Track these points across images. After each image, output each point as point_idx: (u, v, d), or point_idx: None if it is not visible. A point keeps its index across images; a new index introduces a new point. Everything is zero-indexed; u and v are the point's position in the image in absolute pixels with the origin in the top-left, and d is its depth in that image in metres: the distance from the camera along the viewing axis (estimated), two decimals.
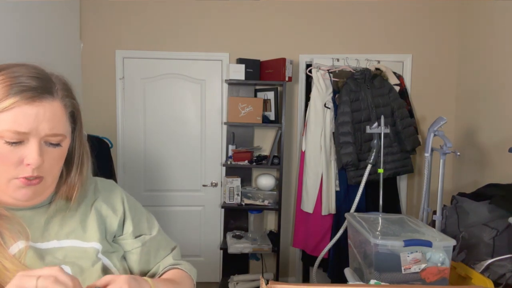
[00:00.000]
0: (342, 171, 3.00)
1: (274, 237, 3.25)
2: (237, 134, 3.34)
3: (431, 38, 3.36)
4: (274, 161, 3.17)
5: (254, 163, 3.19)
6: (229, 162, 3.22)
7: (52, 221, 0.80)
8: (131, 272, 0.90)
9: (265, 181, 3.23)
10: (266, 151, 3.43)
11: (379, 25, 3.36)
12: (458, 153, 2.38)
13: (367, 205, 2.99)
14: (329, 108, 3.03)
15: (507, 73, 2.67)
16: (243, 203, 3.22)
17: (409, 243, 1.60)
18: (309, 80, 3.30)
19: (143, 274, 0.92)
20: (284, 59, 3.06)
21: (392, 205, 3.12)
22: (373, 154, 2.64)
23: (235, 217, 3.40)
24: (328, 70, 3.11)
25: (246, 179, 3.39)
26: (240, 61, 3.16)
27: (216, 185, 3.48)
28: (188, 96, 3.41)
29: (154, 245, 0.94)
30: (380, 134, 2.67)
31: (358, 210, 2.68)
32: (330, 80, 3.09)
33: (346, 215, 2.05)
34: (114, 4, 3.32)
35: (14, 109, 0.68)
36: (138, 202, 0.98)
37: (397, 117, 3.00)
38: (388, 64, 3.28)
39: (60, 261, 0.77)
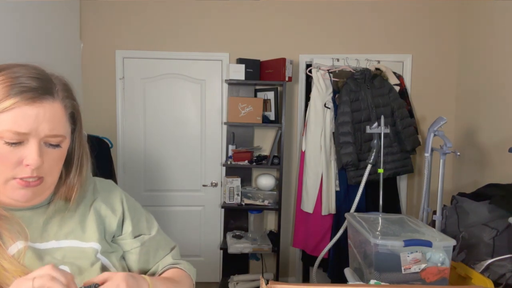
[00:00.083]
0: (342, 171, 3.00)
1: (274, 237, 3.25)
2: (237, 134, 3.34)
3: (431, 38, 3.36)
4: (274, 161, 3.17)
5: (254, 163, 3.19)
6: (229, 162, 3.22)
7: (51, 222, 0.80)
8: (130, 272, 0.90)
9: (265, 181, 3.23)
10: (266, 151, 3.43)
11: (379, 25, 3.36)
12: (458, 153, 2.38)
13: (367, 205, 2.99)
14: (329, 108, 3.03)
15: (507, 73, 2.67)
16: (243, 203, 3.22)
17: (409, 243, 1.60)
18: (309, 80, 3.30)
19: (143, 273, 0.91)
20: (284, 59, 3.06)
21: (392, 205, 3.12)
22: (373, 154, 2.64)
23: (235, 217, 3.40)
24: (328, 70, 3.11)
25: (246, 179, 3.39)
26: (240, 61, 3.16)
27: (216, 185, 3.48)
28: (188, 96, 3.41)
29: (153, 245, 0.94)
30: (380, 134, 2.67)
31: (358, 210, 2.68)
32: (330, 80, 3.09)
33: (346, 215, 2.05)
34: (114, 4, 3.32)
35: (14, 109, 0.68)
36: (137, 202, 0.98)
37: (397, 117, 3.00)
38: (388, 64, 3.28)
39: (59, 261, 0.77)
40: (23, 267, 0.71)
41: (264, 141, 3.45)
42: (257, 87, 3.37)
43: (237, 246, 3.07)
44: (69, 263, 0.78)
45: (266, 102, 3.30)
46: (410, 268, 1.60)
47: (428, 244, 1.60)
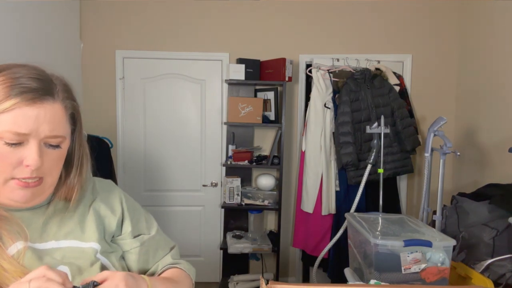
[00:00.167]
0: (342, 171, 3.00)
1: (274, 237, 3.25)
2: (237, 134, 3.35)
3: (431, 38, 3.36)
4: (274, 161, 3.17)
5: (254, 163, 3.19)
6: (229, 162, 3.22)
7: (50, 222, 0.80)
8: (130, 272, 0.90)
9: (265, 181, 3.23)
10: (266, 151, 3.43)
11: (379, 25, 3.36)
12: (458, 153, 2.38)
13: (367, 205, 2.99)
14: (329, 108, 3.03)
15: (507, 73, 2.67)
16: (243, 203, 3.22)
17: (409, 243, 1.60)
18: (309, 80, 3.30)
19: (142, 273, 0.91)
20: (284, 59, 3.06)
21: (392, 205, 3.12)
22: (373, 154, 2.64)
23: (235, 217, 3.40)
24: (328, 70, 3.11)
25: (246, 179, 3.39)
26: (240, 61, 3.16)
27: (216, 185, 3.48)
28: (188, 96, 3.41)
29: (153, 244, 0.94)
30: (380, 134, 2.67)
31: (358, 210, 2.68)
32: (330, 80, 3.09)
33: (346, 215, 2.05)
34: (114, 4, 3.32)
35: (14, 110, 0.68)
36: (137, 202, 0.98)
37: (397, 117, 3.00)
38: (388, 64, 3.28)
39: (59, 261, 0.77)
40: (23, 268, 0.71)
41: (264, 141, 3.45)
42: (257, 87, 3.37)
43: (237, 246, 3.07)
44: (69, 263, 0.78)
45: (266, 102, 3.30)
46: (410, 268, 1.60)
47: (428, 244, 1.60)
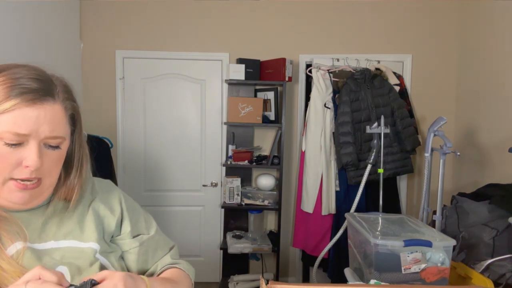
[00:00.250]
0: (342, 171, 3.00)
1: (274, 237, 3.25)
2: (237, 134, 3.34)
3: (431, 38, 3.36)
4: (274, 161, 3.17)
5: (254, 163, 3.19)
6: (229, 162, 3.22)
7: (49, 222, 0.80)
8: (129, 272, 0.90)
9: (265, 181, 3.23)
10: (266, 151, 3.43)
11: (379, 25, 3.36)
12: (458, 153, 2.38)
13: (367, 205, 2.99)
14: (329, 108, 3.03)
15: (507, 73, 2.67)
16: (243, 203, 3.22)
17: (409, 243, 1.60)
18: (309, 80, 3.30)
19: (141, 273, 0.91)
20: (284, 59, 3.06)
21: (392, 205, 3.12)
22: (373, 154, 2.64)
23: (235, 217, 3.40)
24: (328, 70, 3.11)
25: (246, 179, 3.39)
26: (240, 61, 3.16)
27: (216, 185, 3.48)
28: (188, 96, 3.41)
29: (152, 244, 0.94)
30: (380, 134, 2.67)
31: (358, 210, 2.68)
32: (330, 80, 3.09)
33: (346, 215, 2.05)
34: (114, 4, 3.32)
35: (14, 111, 0.68)
36: (136, 202, 0.98)
37: (397, 117, 3.00)
38: (388, 64, 3.28)
39: (58, 261, 0.77)
40: (22, 268, 0.71)
41: (264, 141, 3.45)
42: (257, 87, 3.37)
43: (237, 246, 3.07)
44: (68, 263, 0.78)
45: (266, 102, 3.30)
46: (410, 268, 1.60)
47: (428, 244, 1.60)
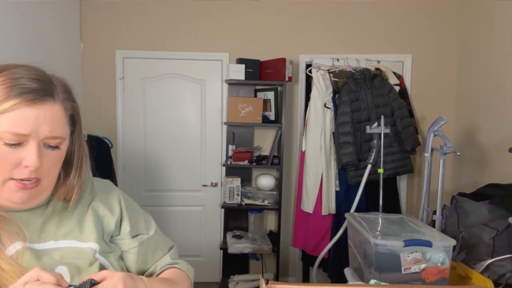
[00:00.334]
0: (342, 171, 3.00)
1: (274, 237, 3.25)
2: (237, 134, 3.34)
3: (431, 38, 3.36)
4: (274, 161, 3.17)
5: (254, 163, 3.19)
6: (229, 162, 3.22)
7: (49, 222, 0.80)
8: (129, 272, 0.90)
9: (265, 181, 3.23)
10: (266, 151, 3.43)
11: (379, 25, 3.36)
12: (458, 153, 2.38)
13: (367, 205, 2.98)
14: (329, 108, 3.03)
15: (507, 73, 2.67)
16: (243, 203, 3.22)
17: (409, 243, 1.60)
18: (309, 80, 3.30)
19: (141, 273, 0.91)
20: (284, 59, 3.06)
21: (392, 205, 3.12)
22: (373, 154, 2.64)
23: (235, 217, 3.40)
24: (328, 70, 3.11)
25: (246, 179, 3.39)
26: (240, 61, 3.16)
27: (216, 185, 3.48)
28: (188, 96, 3.41)
29: (152, 244, 0.94)
30: (380, 134, 2.67)
31: (358, 210, 2.68)
32: (330, 80, 3.09)
33: (346, 215, 2.05)
34: (114, 4, 3.32)
35: (14, 111, 0.68)
36: (135, 202, 0.98)
37: (397, 117, 3.00)
38: (388, 64, 3.28)
39: (57, 261, 0.77)
40: (21, 268, 0.71)
41: (264, 141, 3.45)
42: (257, 87, 3.37)
43: (237, 246, 3.07)
44: (67, 263, 0.78)
45: (266, 102, 3.30)
46: (410, 268, 1.60)
47: (428, 244, 1.60)
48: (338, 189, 3.05)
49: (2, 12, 2.20)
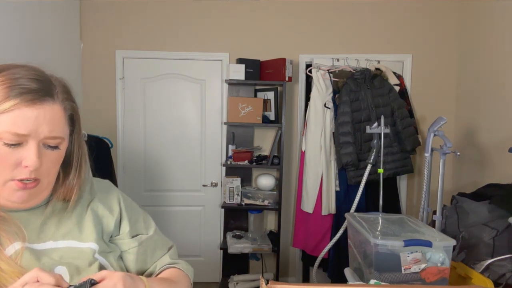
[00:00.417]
0: (342, 171, 3.00)
1: (274, 237, 3.25)
2: (237, 134, 3.34)
3: (431, 38, 3.36)
4: (274, 161, 3.17)
5: (254, 163, 3.19)
6: (229, 162, 3.22)
7: (48, 222, 0.80)
8: (128, 272, 0.90)
9: (265, 181, 3.23)
10: (266, 151, 3.43)
11: (379, 25, 3.36)
12: (458, 153, 2.38)
13: (367, 205, 2.98)
14: (329, 108, 3.03)
15: (507, 73, 2.67)
16: (243, 203, 3.22)
17: (409, 243, 1.60)
18: (309, 80, 3.30)
19: (140, 273, 0.92)
20: (284, 59, 3.06)
21: (392, 205, 3.12)
22: (373, 154, 2.64)
23: (235, 217, 3.40)
24: (328, 70, 3.11)
25: (246, 179, 3.39)
26: (240, 61, 3.16)
27: (216, 185, 3.48)
28: (188, 96, 3.41)
29: (151, 244, 0.94)
30: (380, 134, 2.67)
31: (358, 210, 2.68)
32: (330, 80, 3.09)
33: (346, 215, 2.05)
34: (114, 4, 3.32)
35: (14, 111, 0.68)
36: (135, 202, 0.98)
37: (397, 117, 3.00)
38: (388, 64, 3.28)
39: (57, 261, 0.77)
40: (21, 268, 0.71)
41: (264, 141, 3.45)
42: (257, 87, 3.37)
43: (237, 246, 3.07)
44: (67, 264, 0.78)
45: (266, 102, 3.30)
46: (410, 268, 1.60)
47: (428, 244, 1.60)
48: (338, 189, 3.05)
49: (2, 12, 2.20)
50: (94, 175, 0.95)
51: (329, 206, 3.03)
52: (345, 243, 2.22)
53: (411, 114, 3.20)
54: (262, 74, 3.21)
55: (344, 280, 1.95)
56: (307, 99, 3.23)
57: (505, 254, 1.81)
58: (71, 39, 3.13)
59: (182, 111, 3.42)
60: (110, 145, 3.06)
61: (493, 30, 2.84)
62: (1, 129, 0.68)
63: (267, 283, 1.02)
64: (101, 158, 2.89)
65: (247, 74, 3.13)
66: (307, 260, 3.24)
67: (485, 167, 2.89)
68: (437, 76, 3.38)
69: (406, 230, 1.79)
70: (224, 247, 3.19)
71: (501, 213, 2.03)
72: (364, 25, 3.36)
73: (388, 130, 2.67)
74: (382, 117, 2.70)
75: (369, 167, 2.65)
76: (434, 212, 2.45)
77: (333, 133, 3.01)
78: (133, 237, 0.91)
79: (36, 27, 2.57)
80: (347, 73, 3.12)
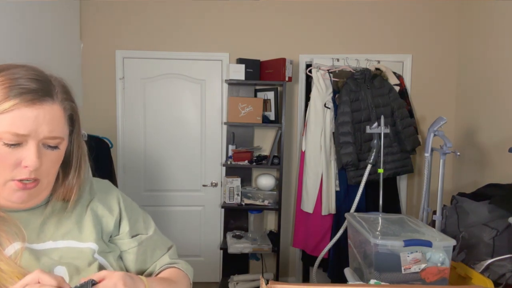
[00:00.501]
0: (342, 171, 3.00)
1: (274, 237, 3.25)
2: (237, 134, 3.34)
3: (431, 38, 3.36)
4: (274, 161, 3.17)
5: (254, 163, 3.19)
6: (229, 162, 3.22)
7: (48, 222, 0.80)
8: (128, 272, 0.90)
9: (265, 181, 3.23)
10: (266, 151, 3.43)
11: (379, 25, 3.36)
12: (458, 153, 2.38)
13: (367, 205, 2.98)
14: (329, 108, 3.03)
15: (507, 73, 2.67)
16: (243, 203, 3.22)
17: (409, 243, 1.60)
18: (309, 80, 3.30)
19: (140, 273, 0.92)
20: (284, 59, 3.06)
21: (392, 205, 3.12)
22: (373, 154, 2.64)
23: (235, 217, 3.40)
24: (328, 70, 3.11)
25: (246, 179, 3.39)
26: (240, 61, 3.16)
27: (216, 185, 3.48)
28: (188, 96, 3.41)
29: (151, 244, 0.94)
30: (380, 134, 2.66)
31: (358, 210, 2.68)
32: (330, 80, 3.09)
33: (346, 215, 2.05)
34: (114, 4, 3.32)
35: (13, 111, 0.68)
36: (134, 202, 0.98)
37: (397, 117, 3.00)
38: (388, 64, 3.28)
39: (56, 261, 0.77)
40: (20, 268, 0.71)
41: (264, 141, 3.45)
42: (257, 87, 3.37)
43: (237, 246, 3.07)
44: (66, 264, 0.78)
45: (266, 102, 3.30)
46: (410, 268, 1.60)
47: (428, 244, 1.60)
48: (338, 189, 3.05)
49: (2, 12, 2.20)
50: (94, 175, 0.95)
51: (329, 206, 3.03)
52: (345, 243, 2.22)
53: (411, 114, 3.20)
54: (262, 74, 3.21)
55: (344, 280, 1.95)
56: (307, 99, 3.23)
57: (505, 254, 1.81)
58: (71, 39, 3.13)
59: (182, 111, 3.42)
60: (110, 145, 3.06)
61: (493, 30, 2.84)
62: (1, 129, 0.68)
63: (267, 283, 1.02)
64: (101, 158, 2.89)
65: (247, 74, 3.12)
66: (307, 260, 3.24)
67: (485, 167, 2.89)
68: (437, 76, 3.38)
69: (406, 230, 1.79)
70: (224, 247, 3.19)
71: (501, 213, 2.03)
72: (364, 25, 3.36)
73: (388, 130, 2.67)
74: (382, 117, 2.70)
75: (369, 167, 2.65)
76: (434, 212, 2.45)
77: (333, 133, 3.01)
78: (132, 237, 0.91)
79: (36, 27, 2.57)
80: (347, 73, 3.12)
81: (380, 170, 2.66)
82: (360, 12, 3.35)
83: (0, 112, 0.68)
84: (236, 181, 3.21)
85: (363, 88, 3.01)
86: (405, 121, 3.01)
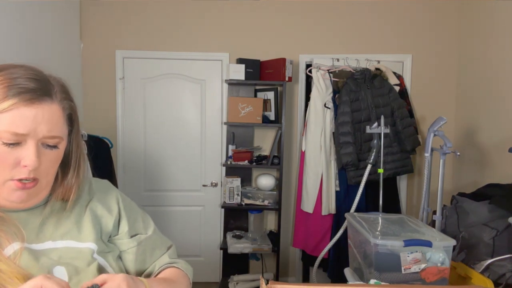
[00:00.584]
0: (342, 171, 3.00)
1: (274, 237, 3.25)
2: (237, 134, 3.34)
3: (431, 38, 3.36)
4: (274, 161, 3.17)
5: (254, 163, 3.19)
6: (229, 162, 3.22)
7: (47, 222, 0.80)
8: (127, 272, 0.90)
9: (265, 181, 3.23)
10: (266, 151, 3.43)
11: (379, 25, 3.36)
12: (458, 153, 2.38)
13: (367, 205, 2.98)
14: (329, 108, 3.03)
15: (507, 73, 2.67)
16: (243, 203, 3.22)
17: (409, 243, 1.60)
18: (309, 80, 3.30)
19: (139, 273, 0.92)
20: (284, 59, 3.06)
21: (392, 205, 3.12)
22: (373, 154, 2.64)
23: (235, 217, 3.40)
24: (328, 70, 3.11)
25: (246, 179, 3.39)
26: (240, 61, 3.16)
27: (216, 185, 3.48)
28: (188, 96, 3.41)
29: (150, 244, 0.94)
30: (380, 134, 2.66)
31: (358, 210, 2.68)
32: (330, 80, 3.09)
33: (346, 215, 2.05)
34: (114, 4, 3.32)
35: (12, 110, 0.69)
36: (133, 202, 0.98)
37: (397, 117, 3.00)
38: (388, 64, 3.28)
39: (55, 261, 0.77)
40: (19, 268, 0.71)
41: (264, 141, 3.45)
42: (257, 87, 3.37)
43: (237, 246, 3.07)
44: (66, 264, 0.78)
45: (266, 102, 3.30)
46: (410, 268, 1.60)
47: (428, 244, 1.60)
48: (338, 189, 3.05)
49: (2, 12, 2.20)
50: (94, 175, 0.95)
51: (329, 206, 3.03)
52: (345, 243, 2.22)
53: (411, 114, 3.20)
54: (262, 74, 3.21)
55: (344, 280, 1.95)
56: (307, 99, 3.23)
57: (505, 254, 1.81)
58: (71, 39, 3.13)
59: (182, 111, 3.42)
60: (110, 145, 3.06)
61: (493, 30, 2.84)
62: (0, 129, 0.68)
63: (267, 283, 1.02)
64: (101, 158, 2.89)
65: (247, 74, 3.12)
66: (307, 260, 3.24)
67: (485, 167, 2.89)
68: (437, 76, 3.38)
69: (406, 230, 1.79)
70: (224, 247, 3.19)
71: (501, 213, 2.03)
72: (364, 25, 3.36)
73: (388, 130, 2.67)
74: (382, 117, 2.70)
75: (369, 167, 2.65)
76: (434, 212, 2.44)
77: (333, 133, 3.01)
78: (132, 237, 0.91)
79: (36, 27, 2.57)
80: (347, 73, 3.12)
81: (380, 170, 2.66)
82: (360, 12, 3.35)
83: None
84: (236, 181, 3.21)
85: (363, 88, 3.01)
86: (405, 121, 3.01)
